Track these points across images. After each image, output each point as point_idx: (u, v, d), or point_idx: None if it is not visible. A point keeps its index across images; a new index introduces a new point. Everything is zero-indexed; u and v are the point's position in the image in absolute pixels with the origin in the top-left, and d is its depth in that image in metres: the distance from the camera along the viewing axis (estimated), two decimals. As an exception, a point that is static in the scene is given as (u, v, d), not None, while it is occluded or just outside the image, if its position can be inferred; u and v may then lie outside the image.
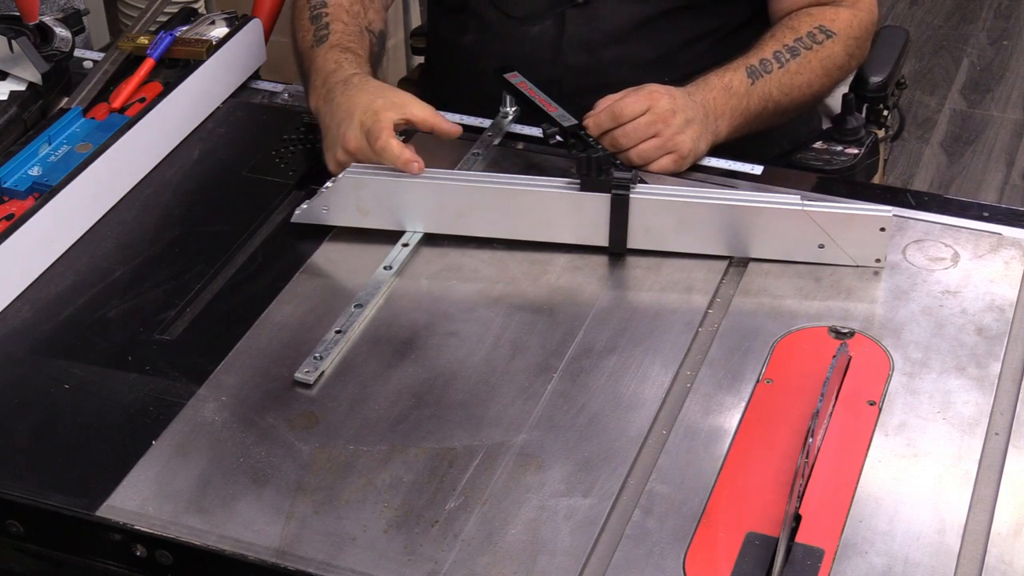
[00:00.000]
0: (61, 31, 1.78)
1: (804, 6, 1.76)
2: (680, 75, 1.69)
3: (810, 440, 1.20)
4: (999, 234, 1.54)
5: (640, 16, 1.79)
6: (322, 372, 1.36)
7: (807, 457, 1.20)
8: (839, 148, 1.81)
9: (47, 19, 1.78)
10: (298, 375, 1.35)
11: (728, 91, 1.66)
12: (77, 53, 1.84)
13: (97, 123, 1.66)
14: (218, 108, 1.76)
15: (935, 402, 1.33)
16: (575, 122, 1.59)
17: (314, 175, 1.63)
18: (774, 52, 1.70)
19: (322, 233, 1.54)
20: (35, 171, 1.59)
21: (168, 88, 1.69)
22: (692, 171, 1.64)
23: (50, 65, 1.73)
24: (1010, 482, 1.25)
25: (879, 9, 1.82)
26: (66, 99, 1.71)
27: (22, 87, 1.71)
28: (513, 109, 1.72)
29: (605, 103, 1.60)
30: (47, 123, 1.65)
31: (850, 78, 1.85)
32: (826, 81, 1.75)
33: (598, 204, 1.50)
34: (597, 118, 1.59)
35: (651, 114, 1.58)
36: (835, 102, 1.95)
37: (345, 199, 1.52)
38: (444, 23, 1.94)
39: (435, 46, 2.03)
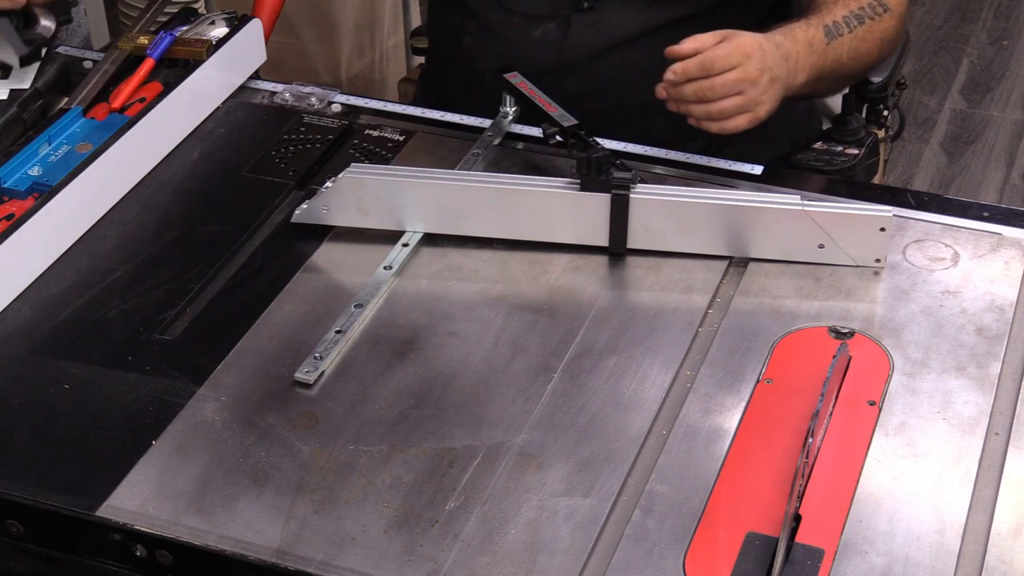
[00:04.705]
0: (46, 21, 1.76)
1: None
2: None
3: (810, 440, 1.20)
4: (999, 234, 1.54)
5: (647, 24, 1.78)
6: (322, 372, 1.36)
7: (807, 457, 1.20)
8: (839, 149, 1.80)
9: (37, 9, 1.77)
10: (298, 375, 1.35)
11: (810, 47, 1.62)
12: (77, 53, 1.83)
13: (97, 123, 1.66)
14: (218, 108, 1.76)
15: (935, 402, 1.33)
16: (575, 122, 1.58)
17: (314, 175, 1.63)
18: (843, 16, 1.66)
19: (322, 233, 1.54)
20: (35, 171, 1.59)
21: (168, 88, 1.69)
22: (692, 171, 1.64)
23: (29, 48, 1.71)
24: (1010, 482, 1.25)
25: None
26: (66, 99, 1.71)
27: (23, 86, 1.71)
28: (513, 109, 1.72)
29: (691, 45, 1.53)
30: (47, 123, 1.65)
31: None
32: (879, 54, 1.72)
33: (598, 204, 1.50)
34: (686, 66, 1.52)
35: (740, 71, 1.52)
36: (835, 102, 1.95)
37: (345, 199, 1.52)
38: (443, 23, 1.93)
39: (435, 46, 2.02)
